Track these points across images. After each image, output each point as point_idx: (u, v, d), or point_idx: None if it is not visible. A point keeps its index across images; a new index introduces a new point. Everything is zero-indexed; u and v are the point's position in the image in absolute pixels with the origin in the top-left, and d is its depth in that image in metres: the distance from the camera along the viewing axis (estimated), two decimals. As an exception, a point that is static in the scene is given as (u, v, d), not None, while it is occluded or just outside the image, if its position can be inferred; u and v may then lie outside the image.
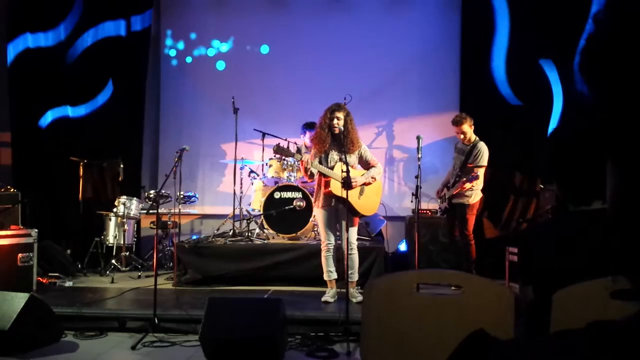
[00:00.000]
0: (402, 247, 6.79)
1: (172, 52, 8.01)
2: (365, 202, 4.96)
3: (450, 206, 5.60)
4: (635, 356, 0.49)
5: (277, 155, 6.15)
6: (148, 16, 7.62)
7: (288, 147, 6.38)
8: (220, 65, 7.92)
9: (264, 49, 7.88)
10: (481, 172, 5.45)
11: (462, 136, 5.60)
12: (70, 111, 7.49)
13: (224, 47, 7.94)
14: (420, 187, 5.26)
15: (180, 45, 8.01)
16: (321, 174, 4.86)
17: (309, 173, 4.83)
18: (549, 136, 6.92)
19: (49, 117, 7.43)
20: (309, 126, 6.28)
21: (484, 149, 5.51)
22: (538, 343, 0.55)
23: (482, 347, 0.56)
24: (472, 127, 5.62)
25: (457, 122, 5.60)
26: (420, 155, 5.23)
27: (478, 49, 7.13)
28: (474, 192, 5.51)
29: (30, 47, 7.33)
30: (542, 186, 6.60)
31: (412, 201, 5.45)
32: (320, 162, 4.87)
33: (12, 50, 7.29)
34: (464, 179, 5.41)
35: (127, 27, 7.54)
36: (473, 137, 5.62)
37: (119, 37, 7.53)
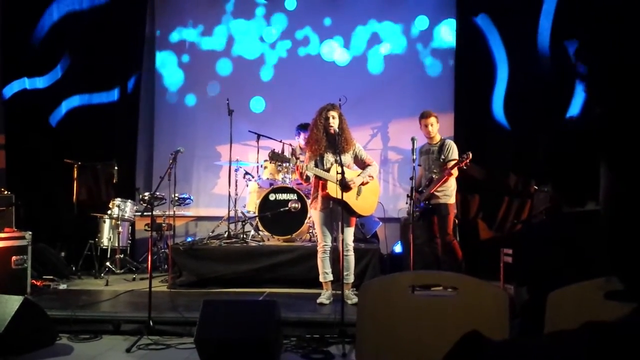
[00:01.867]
0: (397, 248, 6.79)
1: (166, 52, 7.99)
2: (363, 203, 4.96)
3: (430, 207, 5.55)
4: (630, 357, 0.49)
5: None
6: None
7: (283, 152, 6.37)
8: (216, 66, 7.90)
9: (258, 51, 7.86)
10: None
11: (429, 128, 5.55)
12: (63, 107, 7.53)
13: (219, 48, 7.92)
14: (415, 189, 5.26)
15: (175, 45, 7.98)
16: (317, 177, 4.85)
17: (304, 177, 4.82)
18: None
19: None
20: (303, 127, 6.27)
21: (452, 144, 5.58)
22: (532, 344, 0.55)
23: (476, 348, 0.56)
24: (438, 124, 5.65)
25: (426, 115, 5.61)
26: (415, 157, 5.23)
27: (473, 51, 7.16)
28: (454, 191, 5.53)
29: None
30: (536, 187, 6.62)
31: (406, 203, 5.45)
32: (316, 165, 4.86)
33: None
34: (446, 171, 5.36)
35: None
36: (438, 135, 5.65)
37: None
